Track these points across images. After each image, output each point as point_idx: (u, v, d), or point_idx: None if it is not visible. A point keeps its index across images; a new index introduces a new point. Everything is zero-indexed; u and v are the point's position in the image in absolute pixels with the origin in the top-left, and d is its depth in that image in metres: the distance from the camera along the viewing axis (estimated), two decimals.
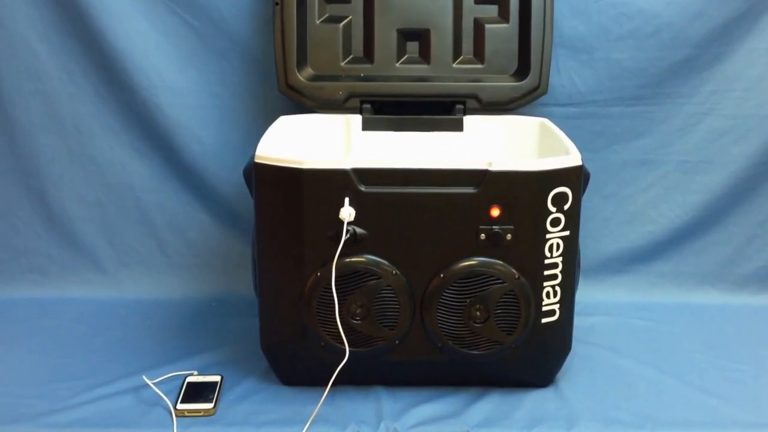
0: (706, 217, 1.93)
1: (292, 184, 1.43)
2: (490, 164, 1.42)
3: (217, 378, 1.56)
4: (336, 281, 1.45)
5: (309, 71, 1.78)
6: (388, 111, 1.79)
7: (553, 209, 1.44)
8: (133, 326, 1.81)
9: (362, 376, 1.55)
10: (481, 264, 1.45)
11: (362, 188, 1.42)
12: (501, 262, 1.45)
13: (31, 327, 1.80)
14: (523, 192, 1.43)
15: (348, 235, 1.43)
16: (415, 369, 1.54)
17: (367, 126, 1.78)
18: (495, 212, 1.43)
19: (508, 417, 1.46)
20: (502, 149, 1.78)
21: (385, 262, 1.45)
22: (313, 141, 1.77)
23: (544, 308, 1.49)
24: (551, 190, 1.44)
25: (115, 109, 1.91)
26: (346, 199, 1.42)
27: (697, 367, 1.64)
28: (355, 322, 1.47)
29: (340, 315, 1.46)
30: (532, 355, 1.52)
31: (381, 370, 1.54)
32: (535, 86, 1.76)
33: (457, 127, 1.78)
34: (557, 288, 1.49)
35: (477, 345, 1.49)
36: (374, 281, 1.45)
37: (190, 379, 1.56)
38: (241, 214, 1.96)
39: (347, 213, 1.42)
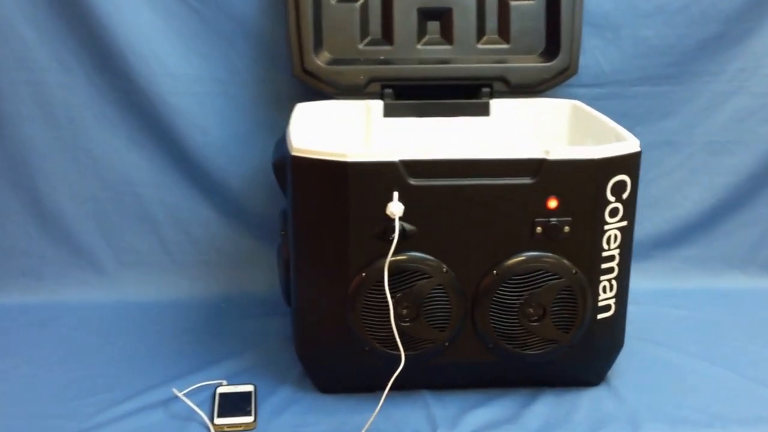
0: (733, 199, 1.88)
1: (336, 179, 1.32)
2: (547, 153, 1.33)
3: (249, 388, 1.45)
4: (380, 281, 1.34)
5: (326, 55, 1.66)
6: (409, 95, 1.68)
7: (612, 199, 1.36)
8: (144, 332, 1.68)
9: (407, 381, 1.44)
10: (537, 259, 1.36)
11: (411, 181, 1.32)
12: (558, 257, 1.37)
13: (31, 336, 1.65)
14: (582, 181, 1.34)
15: (398, 232, 1.33)
16: (464, 371, 1.45)
17: (388, 112, 1.67)
18: (552, 204, 1.34)
19: (568, 420, 1.38)
20: (531, 134, 1.69)
21: (436, 259, 1.36)
22: (333, 129, 1.65)
23: (600, 303, 1.41)
24: (611, 179, 1.35)
25: (111, 98, 1.76)
26: (395, 194, 1.31)
27: (747, 356, 1.58)
28: (403, 324, 1.37)
29: (387, 318, 1.36)
30: (586, 353, 1.44)
31: (427, 373, 1.44)
32: (565, 66, 1.67)
33: (484, 111, 1.68)
34: (613, 282, 1.42)
35: (531, 345, 1.40)
36: (424, 280, 1.36)
37: (220, 389, 1.44)
38: (248, 208, 1.84)
39: (397, 208, 1.31)
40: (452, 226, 1.35)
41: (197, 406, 1.40)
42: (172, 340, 1.64)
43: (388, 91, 1.66)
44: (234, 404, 1.40)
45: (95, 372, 1.52)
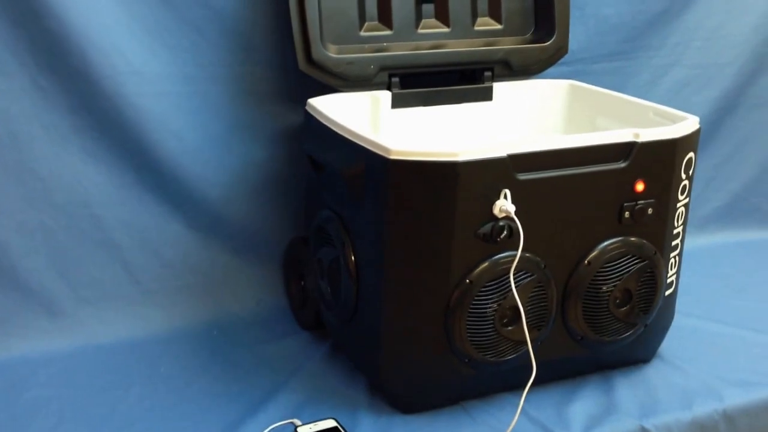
0: None
1: (444, 181, 1.20)
2: (637, 135, 1.31)
3: (331, 423, 1.29)
4: (486, 286, 1.26)
5: (330, 44, 1.50)
6: (411, 84, 1.57)
7: (683, 176, 1.38)
8: (149, 377, 1.42)
9: (489, 387, 1.37)
10: (625, 244, 1.34)
11: (518, 176, 1.23)
12: (642, 240, 1.35)
13: (5, 404, 1.34)
14: (664, 162, 1.34)
15: (506, 232, 1.24)
16: (548, 367, 1.39)
17: (396, 103, 1.55)
18: (640, 187, 1.33)
19: (657, 401, 1.38)
20: (535, 116, 1.66)
21: (534, 255, 1.29)
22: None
23: (668, 280, 1.43)
24: (684, 157, 1.36)
25: (61, 105, 1.46)
26: (508, 192, 1.22)
27: (740, 312, 1.67)
28: (507, 329, 1.29)
29: (492, 324, 1.27)
30: (652, 331, 1.45)
31: (511, 375, 1.37)
32: (560, 46, 1.66)
33: (488, 96, 1.62)
34: (677, 258, 1.44)
35: (617, 330, 1.38)
36: (527, 280, 1.28)
37: (302, 430, 1.26)
38: (226, 219, 1.62)
39: (511, 207, 1.22)
40: (547, 220, 1.28)
41: None
42: (191, 381, 1.41)
43: (395, 80, 1.54)
44: None
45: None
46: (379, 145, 1.21)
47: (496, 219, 1.23)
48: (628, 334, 1.40)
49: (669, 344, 1.53)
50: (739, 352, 1.54)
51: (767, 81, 1.99)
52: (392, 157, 1.20)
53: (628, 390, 1.41)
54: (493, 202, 1.23)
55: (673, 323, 1.60)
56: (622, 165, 1.30)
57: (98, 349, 1.51)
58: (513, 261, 1.24)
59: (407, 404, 1.34)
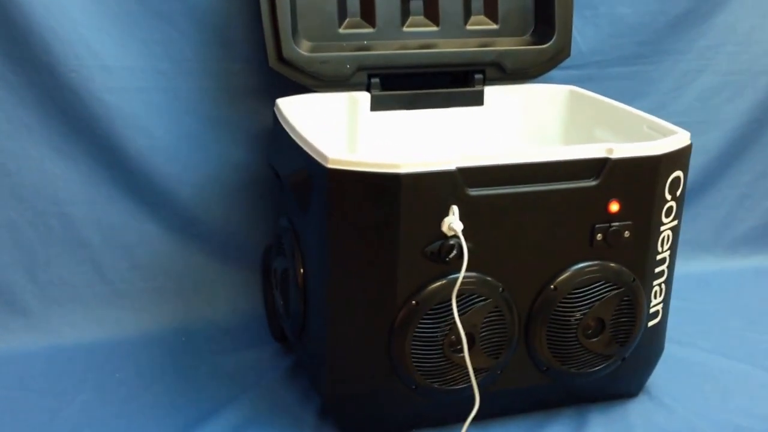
0: (702, 179, 1.82)
1: (385, 194, 1.11)
2: (610, 151, 1.19)
3: None
4: (435, 308, 1.16)
5: (305, 41, 1.42)
6: (394, 85, 1.48)
7: (668, 197, 1.25)
8: (101, 383, 1.38)
9: (444, 416, 1.28)
10: (597, 269, 1.22)
11: (470, 192, 1.13)
12: (618, 265, 1.23)
13: None
14: (643, 180, 1.22)
15: (455, 252, 1.14)
16: (511, 398, 1.29)
17: (376, 105, 1.46)
18: (614, 207, 1.21)
19: None
20: (529, 124, 1.55)
21: (490, 278, 1.18)
22: (317, 128, 1.41)
23: (651, 310, 1.30)
24: (669, 176, 1.24)
25: (28, 98, 1.43)
26: (455, 208, 1.13)
27: (752, 346, 1.54)
28: (457, 355, 1.19)
29: (441, 349, 1.18)
30: (634, 364, 1.32)
31: (466, 405, 1.27)
32: (560, 49, 1.54)
33: (478, 100, 1.52)
34: (663, 286, 1.31)
35: (588, 362, 1.27)
36: (480, 303, 1.18)
37: None
38: (200, 220, 1.57)
39: (458, 225, 1.12)
40: (508, 240, 1.18)
41: None
42: (142, 390, 1.37)
43: (375, 80, 1.45)
44: None
45: None
46: (319, 152, 1.13)
47: (445, 237, 1.14)
48: (601, 366, 1.28)
49: (660, 378, 1.40)
50: (737, 391, 1.40)
51: None
52: (330, 165, 1.11)
53: (600, 427, 1.30)
54: (441, 219, 1.13)
55: (672, 355, 1.48)
56: (593, 183, 1.19)
57: (63, 351, 1.48)
58: (456, 284, 1.14)
59: (354, 430, 1.25)
